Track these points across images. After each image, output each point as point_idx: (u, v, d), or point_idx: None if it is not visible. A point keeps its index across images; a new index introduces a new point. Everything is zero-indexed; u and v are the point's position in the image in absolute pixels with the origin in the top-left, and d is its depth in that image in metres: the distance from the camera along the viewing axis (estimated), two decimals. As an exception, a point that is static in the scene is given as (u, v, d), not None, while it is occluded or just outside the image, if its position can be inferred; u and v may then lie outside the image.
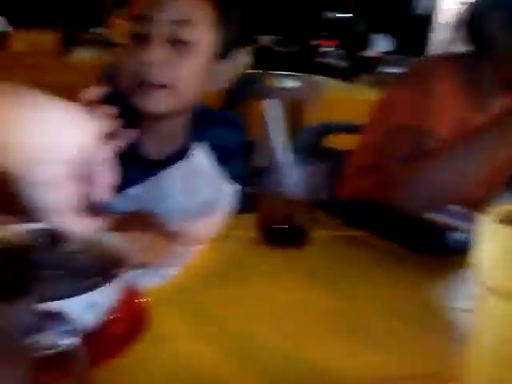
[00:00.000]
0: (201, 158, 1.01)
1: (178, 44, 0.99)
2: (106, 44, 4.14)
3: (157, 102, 1.01)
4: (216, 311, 0.73)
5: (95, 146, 0.47)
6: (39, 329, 0.41)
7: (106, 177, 0.51)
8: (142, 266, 0.68)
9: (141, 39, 1.00)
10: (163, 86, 1.00)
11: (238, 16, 1.10)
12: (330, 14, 8.74)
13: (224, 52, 1.07)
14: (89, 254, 0.58)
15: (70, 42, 4.46)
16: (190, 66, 1.01)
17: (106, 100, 1.11)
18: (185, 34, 0.99)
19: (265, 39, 8.71)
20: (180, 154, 1.06)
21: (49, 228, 0.55)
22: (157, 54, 0.97)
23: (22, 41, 4.90)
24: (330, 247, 1.01)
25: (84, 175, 0.48)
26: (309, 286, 0.84)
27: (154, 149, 1.09)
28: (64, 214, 0.47)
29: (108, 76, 2.41)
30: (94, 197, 0.50)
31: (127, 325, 0.59)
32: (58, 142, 0.44)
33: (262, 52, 7.60)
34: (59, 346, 0.44)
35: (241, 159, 1.16)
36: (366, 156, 1.27)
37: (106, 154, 0.50)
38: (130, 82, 1.02)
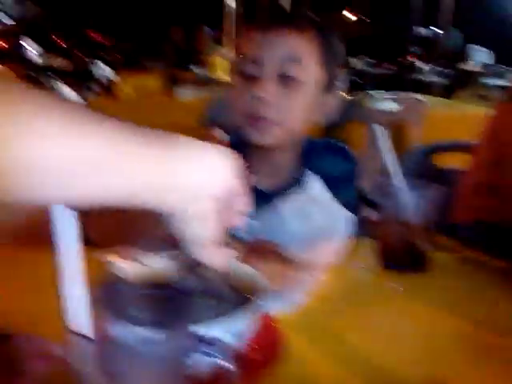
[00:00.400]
0: (313, 186, 1.03)
1: (286, 81, 1.03)
2: (206, 82, 4.33)
3: (267, 136, 1.05)
4: (342, 335, 0.74)
5: (237, 180, 0.51)
6: (193, 351, 0.45)
7: (242, 206, 0.55)
8: (271, 293, 0.72)
9: (250, 77, 1.05)
10: (273, 121, 1.04)
11: (342, 49, 1.13)
12: (422, 30, 8.56)
13: (330, 84, 1.10)
14: (227, 281, 0.61)
15: (172, 82, 4.69)
16: (298, 101, 1.05)
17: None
18: (293, 71, 1.03)
19: (357, 61, 8.68)
20: (291, 184, 1.10)
21: (188, 257, 0.59)
22: (267, 91, 1.02)
23: (129, 86, 5.22)
24: (451, 270, 0.99)
25: (225, 207, 0.52)
26: (433, 309, 0.83)
27: (265, 180, 1.13)
28: (206, 246, 0.52)
29: (213, 112, 2.52)
30: (230, 226, 0.54)
31: (264, 350, 0.62)
32: (208, 180, 0.48)
33: (355, 74, 7.58)
34: (212, 367, 0.48)
35: (351, 186, 1.17)
36: (480, 175, 1.24)
37: (243, 186, 0.53)
38: (240, 117, 1.07)
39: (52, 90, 7.22)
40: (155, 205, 0.46)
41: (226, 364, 0.45)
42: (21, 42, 14.65)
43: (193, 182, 0.47)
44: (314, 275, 0.85)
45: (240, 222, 0.55)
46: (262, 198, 1.07)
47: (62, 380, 0.56)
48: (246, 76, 1.05)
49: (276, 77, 1.03)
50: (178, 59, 7.12)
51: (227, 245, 0.54)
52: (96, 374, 0.43)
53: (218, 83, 4.41)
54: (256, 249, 0.85)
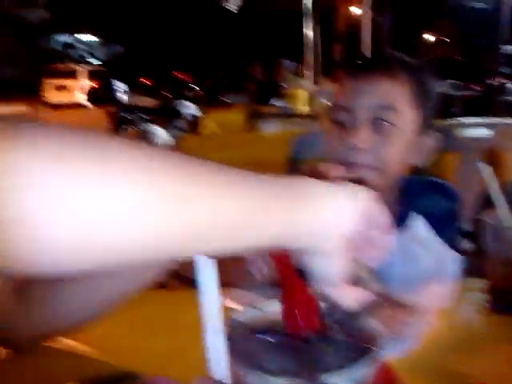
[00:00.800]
0: (417, 226, 1.02)
1: (380, 127, 1.03)
2: (288, 115, 4.39)
3: (366, 180, 1.06)
4: (454, 376, 0.73)
5: (372, 216, 0.52)
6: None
7: (380, 243, 0.54)
8: (387, 339, 0.72)
9: (344, 124, 1.05)
10: (368, 167, 1.04)
11: (435, 86, 1.12)
12: (509, 48, 8.27)
13: (426, 125, 1.09)
14: (350, 326, 0.62)
15: (255, 117, 4.78)
16: (393, 146, 1.05)
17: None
18: (388, 117, 1.03)
19: (441, 85, 8.45)
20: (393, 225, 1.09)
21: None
22: (361, 140, 1.02)
23: (213, 122, 5.38)
24: None
25: (363, 244, 0.53)
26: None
27: None
28: (337, 284, 0.53)
29: (299, 147, 2.55)
30: (369, 263, 0.55)
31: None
32: (334, 218, 0.48)
33: (440, 99, 7.38)
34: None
35: (454, 224, 1.15)
36: None
37: (380, 221, 0.53)
38: (336, 162, 1.08)
39: (142, 129, 7.57)
40: (285, 245, 0.48)
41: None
42: (109, 82, 15.48)
43: (320, 221, 0.47)
44: (425, 319, 0.84)
45: (378, 259, 0.55)
46: None
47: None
48: (340, 123, 1.07)
49: (370, 124, 1.04)
50: (260, 93, 7.26)
51: (364, 284, 0.55)
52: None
53: (300, 116, 4.45)
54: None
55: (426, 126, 1.09)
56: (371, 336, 0.60)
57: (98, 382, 0.70)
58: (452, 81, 8.49)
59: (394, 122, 1.03)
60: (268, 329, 0.62)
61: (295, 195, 0.47)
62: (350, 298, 0.53)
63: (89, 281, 0.75)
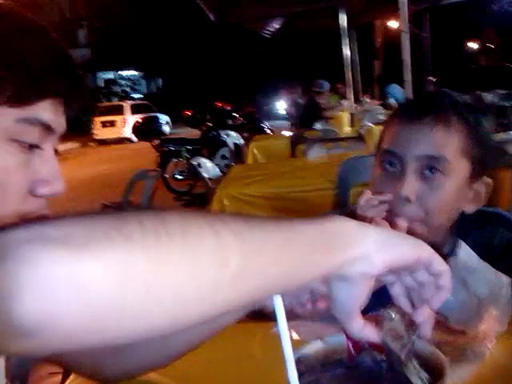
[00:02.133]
0: (466, 254, 1.03)
1: (431, 177, 1.02)
2: (332, 138, 4.42)
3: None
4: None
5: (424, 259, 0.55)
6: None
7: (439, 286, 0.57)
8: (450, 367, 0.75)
9: (393, 172, 1.05)
10: (416, 218, 1.02)
11: (488, 135, 1.11)
12: None
13: (478, 172, 1.07)
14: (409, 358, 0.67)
15: (298, 142, 4.81)
16: (442, 196, 1.03)
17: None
18: (438, 168, 1.02)
19: (489, 96, 8.19)
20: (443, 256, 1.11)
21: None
22: (409, 190, 1.01)
23: (256, 150, 5.43)
24: None
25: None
26: None
27: None
28: (353, 315, 0.56)
29: (346, 173, 2.58)
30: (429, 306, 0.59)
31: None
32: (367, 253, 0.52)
33: (489, 110, 7.06)
34: None
35: None
36: None
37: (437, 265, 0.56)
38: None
39: (187, 160, 7.73)
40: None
41: None
42: (153, 115, 15.79)
43: (351, 255, 0.52)
44: (484, 345, 0.87)
45: (438, 302, 0.59)
46: None
47: None
48: (388, 171, 1.06)
49: (419, 174, 1.02)
50: (302, 118, 7.33)
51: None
52: None
53: (343, 138, 4.48)
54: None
55: (479, 173, 1.07)
56: (436, 366, 0.65)
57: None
58: (502, 91, 8.30)
59: (444, 173, 1.02)
60: (334, 361, 0.68)
61: (331, 237, 0.52)
62: (360, 329, 0.57)
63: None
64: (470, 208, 1.08)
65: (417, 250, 0.56)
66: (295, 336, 0.86)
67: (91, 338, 0.40)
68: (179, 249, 0.42)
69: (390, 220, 0.94)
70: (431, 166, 1.02)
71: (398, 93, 7.52)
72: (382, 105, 8.04)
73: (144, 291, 0.39)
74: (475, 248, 1.11)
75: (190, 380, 0.90)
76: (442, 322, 0.91)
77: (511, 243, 1.09)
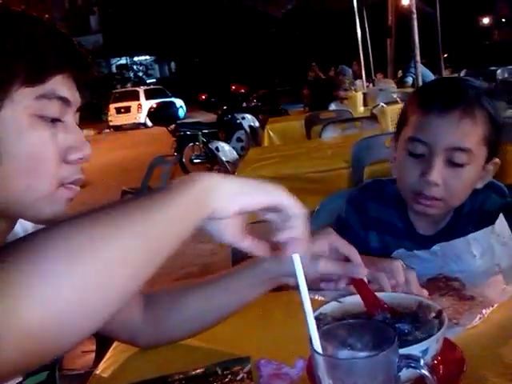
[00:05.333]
0: (503, 228, 1.11)
1: (454, 165, 1.13)
2: (346, 119, 4.48)
3: (432, 210, 1.17)
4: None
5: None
6: (400, 367, 0.62)
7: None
8: (450, 322, 0.85)
9: (419, 158, 1.15)
10: (438, 199, 1.15)
11: (503, 122, 1.19)
12: None
13: (492, 154, 1.18)
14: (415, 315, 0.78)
15: (313, 123, 4.85)
16: (464, 181, 1.15)
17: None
18: (461, 158, 1.12)
19: (501, 72, 8.12)
20: (448, 228, 1.22)
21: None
22: (435, 176, 1.12)
23: (272, 132, 5.50)
24: None
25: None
26: None
27: (426, 227, 1.25)
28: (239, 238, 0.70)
29: (360, 153, 2.65)
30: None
31: (449, 367, 0.77)
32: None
33: (501, 87, 6.94)
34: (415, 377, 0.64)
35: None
36: None
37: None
38: (408, 192, 1.19)
39: (204, 144, 7.81)
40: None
41: (426, 373, 0.61)
42: (167, 100, 15.80)
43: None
44: (487, 310, 0.94)
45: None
46: (422, 242, 1.20)
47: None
48: (416, 156, 1.16)
49: (445, 161, 1.13)
50: (317, 99, 7.35)
51: None
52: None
53: (358, 118, 4.53)
54: (438, 284, 0.99)
55: (492, 155, 1.18)
56: (436, 319, 0.76)
57: (220, 365, 0.88)
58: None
59: (468, 161, 1.13)
60: (349, 315, 0.79)
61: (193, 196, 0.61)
62: (249, 245, 0.71)
63: (210, 297, 0.94)
64: (479, 185, 1.19)
65: (269, 196, 0.67)
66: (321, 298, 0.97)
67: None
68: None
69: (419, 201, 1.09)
70: (457, 157, 1.12)
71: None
72: (396, 83, 8.05)
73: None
74: (470, 212, 1.22)
75: (219, 341, 0.99)
76: (457, 289, 1.01)
77: (501, 207, 1.18)
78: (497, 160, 1.20)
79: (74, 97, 0.78)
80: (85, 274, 0.51)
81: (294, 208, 0.68)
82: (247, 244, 0.71)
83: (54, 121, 0.75)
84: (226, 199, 0.64)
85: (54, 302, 0.49)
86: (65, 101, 0.75)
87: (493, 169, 1.20)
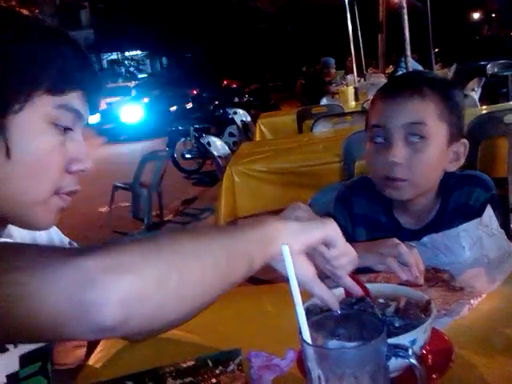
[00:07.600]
0: (491, 219, 1.13)
1: (414, 142, 1.17)
2: (337, 114, 4.48)
3: (401, 193, 1.20)
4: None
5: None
6: (388, 356, 0.62)
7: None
8: (440, 313, 0.86)
9: (381, 143, 1.21)
10: (406, 179, 1.18)
11: (462, 96, 1.24)
12: None
13: (456, 133, 1.21)
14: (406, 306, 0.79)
15: (305, 118, 4.86)
16: (427, 158, 1.18)
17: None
18: (419, 132, 1.17)
19: (491, 66, 8.17)
20: (434, 223, 1.24)
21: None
22: (397, 156, 1.16)
23: (264, 126, 5.50)
24: None
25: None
26: None
27: (410, 221, 1.28)
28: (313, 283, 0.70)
29: (351, 148, 2.66)
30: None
31: (438, 356, 0.78)
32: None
33: (491, 81, 7.05)
34: (404, 366, 0.64)
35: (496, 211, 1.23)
36: None
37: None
38: (378, 179, 1.24)
39: (196, 139, 7.80)
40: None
41: (414, 363, 0.62)
42: (160, 95, 15.59)
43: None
44: (475, 301, 0.96)
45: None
46: (408, 236, 1.21)
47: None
48: (378, 143, 1.22)
49: (404, 140, 1.17)
50: (308, 93, 7.36)
51: None
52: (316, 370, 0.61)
53: (349, 113, 4.53)
54: (427, 275, 1.00)
55: (456, 135, 1.21)
56: (426, 311, 0.76)
57: (211, 357, 0.88)
58: (503, 60, 8.24)
59: (425, 136, 1.17)
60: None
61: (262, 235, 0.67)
62: (324, 292, 0.72)
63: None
64: (451, 167, 1.23)
65: (323, 230, 0.71)
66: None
67: (146, 324, 0.59)
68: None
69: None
70: (413, 132, 1.17)
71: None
72: (387, 78, 8.05)
73: (168, 292, 0.58)
74: (455, 207, 1.24)
75: (209, 334, 1.00)
76: (446, 281, 1.02)
77: (486, 202, 1.20)
78: (464, 140, 1.23)
79: (85, 111, 0.83)
80: (184, 271, 0.59)
81: (340, 239, 0.73)
82: (319, 291, 0.72)
83: (67, 130, 0.79)
84: (290, 238, 0.68)
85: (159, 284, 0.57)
86: (78, 114, 0.80)
87: (463, 151, 1.23)
